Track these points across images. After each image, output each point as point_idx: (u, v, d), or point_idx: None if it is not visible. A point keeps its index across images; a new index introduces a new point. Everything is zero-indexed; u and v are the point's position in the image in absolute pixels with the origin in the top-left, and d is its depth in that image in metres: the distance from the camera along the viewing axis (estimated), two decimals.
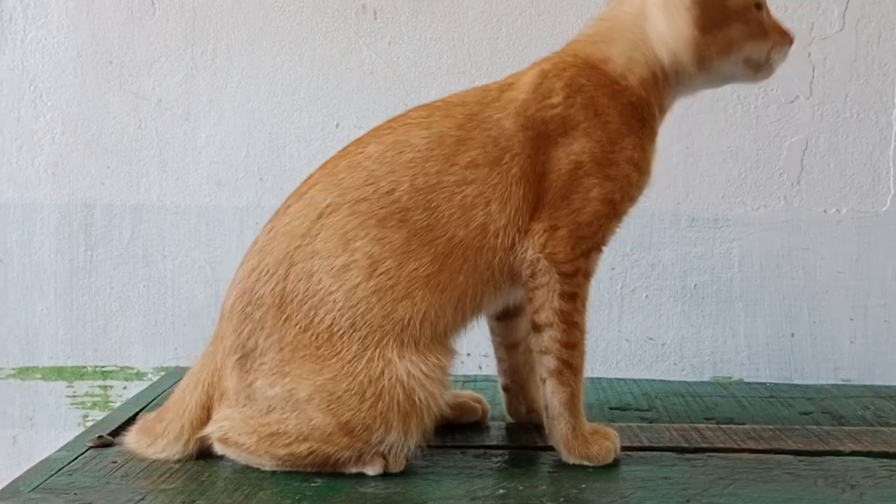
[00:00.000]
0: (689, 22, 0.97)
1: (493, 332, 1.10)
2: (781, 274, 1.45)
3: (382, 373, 0.89)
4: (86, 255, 1.49)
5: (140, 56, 1.48)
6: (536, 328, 0.96)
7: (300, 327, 0.91)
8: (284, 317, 0.91)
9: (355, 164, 0.96)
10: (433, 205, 0.93)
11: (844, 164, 1.44)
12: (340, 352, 0.90)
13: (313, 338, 0.91)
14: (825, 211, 1.45)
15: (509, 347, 1.09)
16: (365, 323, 0.90)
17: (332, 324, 0.90)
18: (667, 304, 1.47)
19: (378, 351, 0.90)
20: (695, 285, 1.46)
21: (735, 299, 1.46)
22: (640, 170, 0.99)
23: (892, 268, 1.45)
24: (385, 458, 0.91)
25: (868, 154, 1.44)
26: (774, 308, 1.46)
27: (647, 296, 1.47)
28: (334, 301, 0.91)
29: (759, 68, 1.03)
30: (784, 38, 1.03)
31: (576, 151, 0.96)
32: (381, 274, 0.91)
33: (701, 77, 1.01)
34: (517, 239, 0.95)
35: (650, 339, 1.47)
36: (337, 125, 1.47)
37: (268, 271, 0.93)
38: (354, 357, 0.90)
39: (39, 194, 1.49)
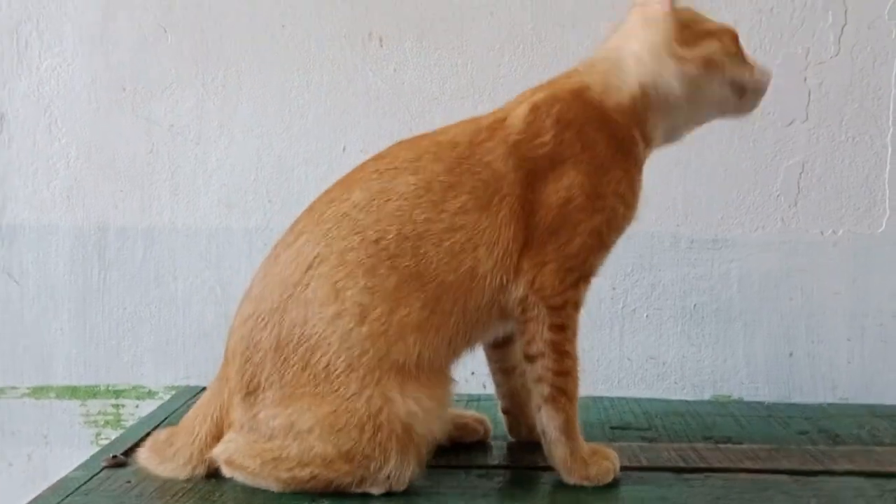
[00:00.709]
0: (666, 34, 0.98)
1: (489, 358, 1.12)
2: (779, 294, 1.47)
3: (381, 409, 0.91)
4: (99, 277, 1.52)
5: (152, 82, 1.50)
6: (529, 358, 0.98)
7: (298, 367, 0.92)
8: (283, 358, 0.93)
9: (341, 213, 0.96)
10: (421, 251, 0.94)
11: (841, 186, 1.46)
12: (338, 389, 0.91)
13: (311, 377, 0.92)
14: (822, 232, 1.47)
15: (506, 372, 1.11)
16: (362, 364, 0.91)
17: (328, 364, 0.92)
18: (667, 324, 1.49)
19: (377, 389, 0.91)
20: (694, 305, 1.48)
21: (734, 319, 1.48)
22: (626, 202, 1.00)
23: (888, 288, 1.46)
24: (388, 478, 0.92)
25: (864, 176, 1.46)
26: (773, 328, 1.48)
27: (647, 315, 1.49)
28: (329, 344, 0.92)
29: (743, 92, 1.04)
30: (764, 72, 1.05)
31: (565, 186, 0.97)
32: (373, 320, 0.92)
33: (685, 101, 1.01)
34: (505, 279, 0.96)
35: (651, 358, 1.49)
36: (344, 149, 1.49)
37: (263, 318, 0.95)
38: (353, 395, 0.91)
39: (54, 217, 1.52)
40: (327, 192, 1.00)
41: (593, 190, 0.97)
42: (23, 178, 1.52)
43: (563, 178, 0.97)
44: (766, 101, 1.43)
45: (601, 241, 0.99)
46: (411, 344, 0.92)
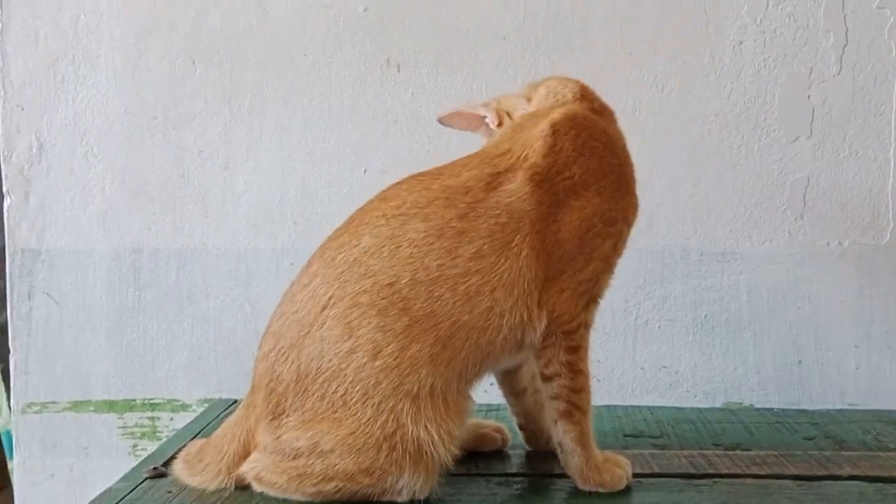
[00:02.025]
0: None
1: (499, 382, 1.15)
2: (788, 304, 1.51)
3: (395, 432, 0.95)
4: (134, 296, 1.57)
5: (182, 111, 1.55)
6: (545, 378, 1.02)
7: (317, 396, 0.97)
8: (303, 389, 0.98)
9: (352, 259, 0.98)
10: (435, 294, 0.96)
11: (845, 199, 1.49)
12: (356, 414, 0.95)
13: (329, 405, 0.96)
14: (828, 244, 1.50)
15: (517, 394, 1.15)
16: (377, 392, 0.95)
17: (345, 393, 0.96)
18: (679, 334, 1.53)
19: (392, 416, 0.95)
20: (705, 316, 1.52)
21: (744, 329, 1.51)
22: (629, 225, 1.04)
23: (894, 296, 1.50)
24: (404, 489, 0.96)
25: (868, 189, 1.49)
26: (782, 337, 1.51)
27: (660, 326, 1.53)
28: (345, 376, 0.96)
29: None
30: None
31: (588, 215, 0.99)
32: (386, 356, 0.95)
33: None
34: (526, 316, 0.98)
35: (664, 367, 1.53)
36: (365, 171, 1.54)
37: (284, 353, 0.99)
38: (369, 419, 0.95)
39: (91, 241, 1.57)
40: (336, 235, 1.03)
41: (609, 215, 1.00)
42: (61, 204, 1.57)
43: (588, 206, 0.99)
44: (771, 118, 1.50)
45: (608, 265, 1.02)
46: (424, 376, 0.95)
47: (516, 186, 0.99)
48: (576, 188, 0.99)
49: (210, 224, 1.57)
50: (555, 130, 1.01)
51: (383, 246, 0.98)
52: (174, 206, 1.57)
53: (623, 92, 1.49)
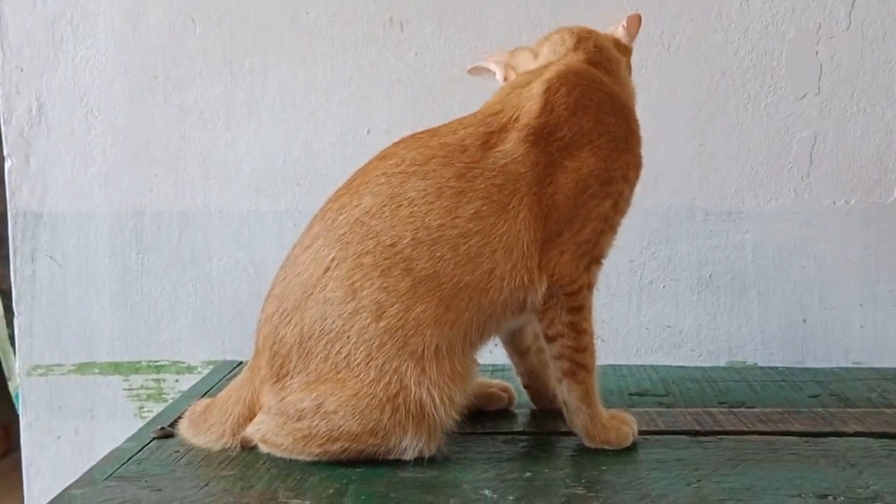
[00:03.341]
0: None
1: (503, 343, 1.16)
2: (793, 263, 1.51)
3: (398, 393, 0.95)
4: (137, 259, 1.57)
5: (183, 71, 1.54)
6: (549, 339, 1.01)
7: (321, 358, 0.97)
8: (306, 351, 0.97)
9: (353, 219, 0.98)
10: (437, 254, 0.95)
11: (852, 157, 1.49)
12: (359, 375, 0.95)
13: (333, 366, 0.96)
14: (834, 202, 1.50)
15: (521, 354, 1.15)
16: (380, 354, 0.95)
17: (348, 355, 0.96)
18: (684, 294, 1.52)
19: (395, 377, 0.95)
20: (710, 275, 1.52)
21: (749, 288, 1.51)
22: (630, 185, 1.03)
23: None
24: (408, 448, 0.97)
25: (875, 147, 1.48)
26: (787, 296, 1.51)
27: (664, 286, 1.53)
28: (348, 338, 0.96)
29: None
30: None
31: (584, 175, 0.98)
32: (390, 316, 0.95)
33: None
34: (527, 278, 0.97)
35: (668, 326, 1.53)
36: (368, 131, 1.53)
37: (287, 315, 0.99)
38: (373, 381, 0.95)
39: (93, 203, 1.56)
40: (337, 196, 1.02)
41: (606, 175, 1.00)
42: (62, 166, 1.56)
43: (583, 166, 0.99)
44: (778, 75, 1.48)
45: (609, 225, 1.02)
46: (428, 337, 0.95)
47: (511, 147, 0.99)
48: (569, 148, 0.99)
49: (212, 186, 1.56)
50: (546, 89, 1.00)
51: (384, 205, 0.97)
52: (176, 167, 1.56)
53: None
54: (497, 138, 0.99)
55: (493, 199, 0.97)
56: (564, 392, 1.02)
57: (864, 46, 1.47)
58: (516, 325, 1.08)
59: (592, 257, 1.01)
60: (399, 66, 1.52)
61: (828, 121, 1.49)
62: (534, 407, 1.19)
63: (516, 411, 1.18)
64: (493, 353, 1.20)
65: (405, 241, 0.96)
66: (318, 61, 1.53)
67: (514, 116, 1.00)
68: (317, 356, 0.97)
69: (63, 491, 0.93)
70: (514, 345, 1.15)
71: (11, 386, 1.70)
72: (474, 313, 0.97)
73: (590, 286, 1.02)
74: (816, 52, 1.48)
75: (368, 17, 1.51)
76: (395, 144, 1.03)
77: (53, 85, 1.56)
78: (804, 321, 1.51)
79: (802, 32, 1.48)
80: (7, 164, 1.57)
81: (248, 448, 1.03)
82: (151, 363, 1.59)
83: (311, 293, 0.98)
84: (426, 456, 0.98)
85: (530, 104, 1.01)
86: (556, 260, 0.99)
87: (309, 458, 0.99)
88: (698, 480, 0.93)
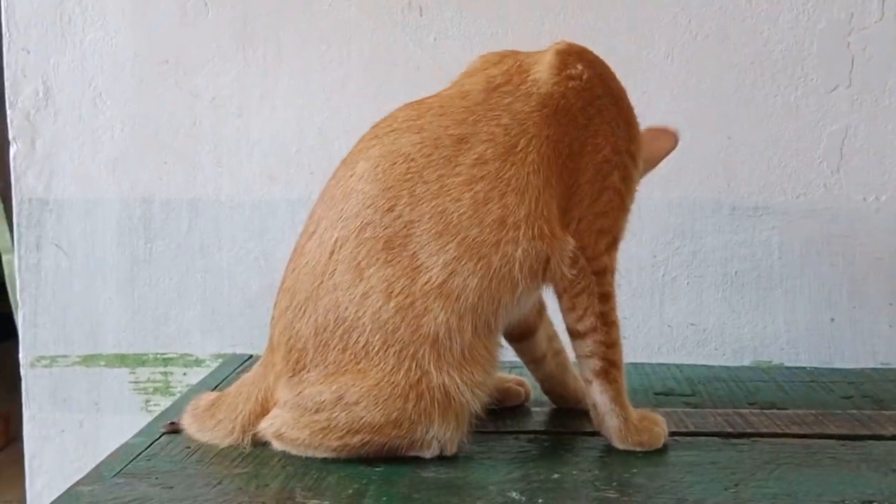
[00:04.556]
0: None
1: (517, 353, 1.12)
2: (821, 260, 1.47)
3: (420, 380, 0.91)
4: (145, 248, 1.54)
5: (194, 56, 1.51)
6: (579, 335, 0.97)
7: (338, 349, 0.93)
8: (323, 343, 0.94)
9: (349, 190, 0.94)
10: (439, 210, 0.90)
11: (884, 152, 1.45)
12: (379, 364, 0.91)
13: (352, 356, 0.93)
14: (864, 199, 1.46)
15: (537, 361, 1.11)
16: (396, 340, 0.91)
17: (366, 343, 0.92)
18: (708, 291, 1.49)
19: (414, 363, 0.91)
20: (735, 272, 1.49)
21: (775, 286, 1.48)
22: (635, 163, 1.00)
23: None
24: (435, 440, 0.94)
25: None
26: (814, 294, 1.48)
27: (688, 283, 1.49)
28: (363, 325, 0.92)
29: None
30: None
31: (602, 135, 0.95)
32: (398, 294, 0.91)
33: None
34: (547, 230, 0.92)
35: (691, 324, 1.50)
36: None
37: (300, 308, 0.95)
38: (393, 368, 0.91)
39: (100, 189, 1.53)
40: (334, 173, 0.99)
41: (616, 144, 0.96)
42: (69, 151, 1.53)
43: (599, 128, 0.96)
44: (808, 66, 1.45)
45: (622, 202, 0.98)
46: (438, 313, 0.90)
47: (516, 86, 0.95)
48: (588, 110, 0.95)
49: (223, 174, 1.53)
50: (559, 51, 0.98)
51: (377, 167, 0.93)
52: (186, 154, 1.53)
53: (656, 38, 1.44)
54: (504, 79, 0.96)
55: (498, 142, 0.92)
56: (596, 393, 0.98)
57: None
58: (530, 302, 1.01)
59: (612, 237, 0.98)
60: (417, 53, 1.49)
61: (859, 114, 1.45)
62: (553, 405, 1.15)
63: (537, 409, 1.15)
64: (509, 350, 1.16)
65: (403, 202, 0.91)
66: (333, 46, 1.50)
67: (522, 67, 0.97)
68: (334, 348, 0.94)
69: (70, 487, 0.90)
70: (529, 353, 1.11)
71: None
72: (483, 276, 0.90)
73: (612, 271, 0.99)
74: (848, 44, 1.44)
75: (386, 1, 1.48)
76: (394, 111, 1.01)
77: (61, 68, 1.52)
78: (832, 320, 1.48)
79: (834, 23, 1.44)
80: (12, 149, 1.53)
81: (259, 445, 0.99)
82: (159, 356, 1.55)
83: (322, 281, 0.94)
84: (448, 452, 0.95)
85: (544, 57, 0.98)
86: (575, 226, 0.95)
87: (326, 454, 0.95)
88: (735, 485, 0.89)
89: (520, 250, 0.91)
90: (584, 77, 0.96)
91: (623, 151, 0.98)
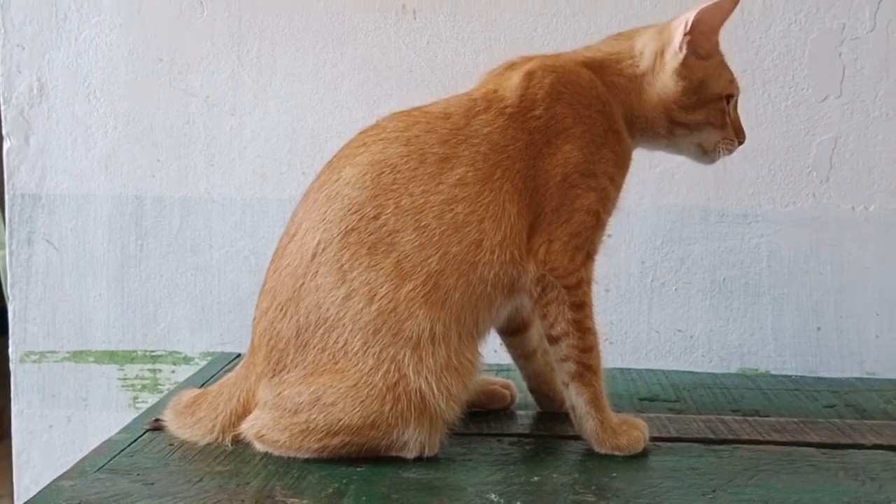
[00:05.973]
0: (679, 92, 1.02)
1: (507, 347, 1.13)
2: (809, 269, 1.47)
3: (398, 382, 0.92)
4: (136, 245, 1.54)
5: (188, 54, 1.51)
6: (553, 340, 0.98)
7: (318, 349, 0.94)
8: (303, 343, 0.95)
9: (333, 193, 0.95)
10: (422, 224, 0.93)
11: (873, 162, 1.45)
12: (357, 364, 0.93)
13: (330, 356, 0.94)
14: (853, 208, 1.46)
15: (526, 357, 1.12)
16: (377, 341, 0.92)
17: (345, 344, 0.93)
18: (696, 298, 1.49)
19: (394, 365, 0.92)
20: (723, 279, 1.49)
21: (763, 293, 1.48)
22: (615, 185, 1.01)
23: None
24: (410, 442, 0.94)
25: None
26: (802, 302, 1.48)
27: (676, 289, 1.50)
28: (343, 325, 0.93)
29: (704, 153, 1.08)
30: (738, 136, 1.08)
31: (561, 162, 0.97)
32: (381, 298, 0.92)
33: (662, 140, 1.06)
34: (517, 255, 0.95)
35: (679, 331, 1.50)
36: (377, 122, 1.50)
37: (281, 309, 0.96)
38: (371, 369, 0.92)
39: (93, 186, 1.53)
40: (318, 176, 1.00)
41: (586, 167, 0.97)
42: (62, 148, 1.53)
43: (558, 153, 0.97)
44: (800, 75, 1.45)
45: (598, 220, 0.99)
46: (421, 319, 0.92)
47: (492, 117, 0.97)
48: (548, 133, 0.97)
49: (215, 172, 1.53)
50: (525, 74, 1.00)
51: (364, 174, 0.95)
52: (179, 152, 1.53)
53: None
54: (481, 106, 0.98)
55: (478, 168, 0.95)
56: (572, 396, 0.99)
57: (888, 49, 1.44)
58: (507, 310, 1.03)
59: (586, 252, 0.99)
60: (410, 55, 1.49)
61: (849, 124, 1.45)
62: (539, 409, 1.15)
63: (521, 412, 1.15)
64: (498, 353, 1.17)
65: (389, 212, 0.93)
66: (327, 47, 1.50)
67: (494, 89, 1.00)
68: (314, 347, 0.94)
69: (52, 482, 0.91)
70: (519, 347, 1.12)
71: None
72: (464, 292, 0.94)
73: (588, 282, 1.00)
74: (840, 54, 1.45)
75: (380, 4, 1.48)
76: (378, 119, 1.02)
77: (55, 64, 1.52)
78: (818, 329, 1.48)
79: (826, 32, 1.44)
80: (6, 145, 1.54)
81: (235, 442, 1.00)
82: (147, 353, 1.56)
83: (303, 282, 0.95)
84: (428, 454, 0.95)
85: (510, 83, 1.00)
86: (546, 248, 0.96)
87: (308, 455, 0.96)
88: (713, 491, 0.90)
89: (492, 273, 0.95)
90: (544, 106, 0.98)
91: (598, 174, 0.98)
